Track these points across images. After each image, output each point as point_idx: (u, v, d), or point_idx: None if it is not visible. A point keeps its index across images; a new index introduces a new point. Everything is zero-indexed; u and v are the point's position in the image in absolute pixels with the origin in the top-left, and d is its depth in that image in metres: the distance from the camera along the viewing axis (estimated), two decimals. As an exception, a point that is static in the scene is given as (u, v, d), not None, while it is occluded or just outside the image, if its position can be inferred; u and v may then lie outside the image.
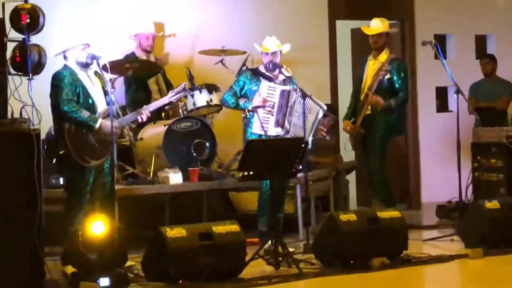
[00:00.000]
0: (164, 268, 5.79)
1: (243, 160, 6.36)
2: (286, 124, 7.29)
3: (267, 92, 7.32)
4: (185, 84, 7.38)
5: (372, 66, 8.27)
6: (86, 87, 6.54)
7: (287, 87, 7.33)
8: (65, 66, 6.49)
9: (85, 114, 6.45)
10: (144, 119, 6.91)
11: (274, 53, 7.35)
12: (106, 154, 6.59)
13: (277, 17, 9.42)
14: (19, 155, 5.74)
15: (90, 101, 6.55)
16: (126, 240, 5.96)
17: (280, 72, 7.35)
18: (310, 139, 7.28)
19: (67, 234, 6.09)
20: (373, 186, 8.30)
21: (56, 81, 6.43)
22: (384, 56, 8.22)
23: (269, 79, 7.38)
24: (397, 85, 8.16)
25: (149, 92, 8.43)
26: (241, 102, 7.38)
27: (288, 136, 7.25)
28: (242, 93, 7.42)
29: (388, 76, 8.13)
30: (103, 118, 6.53)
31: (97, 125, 6.48)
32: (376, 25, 8.26)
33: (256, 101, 7.28)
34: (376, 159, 8.18)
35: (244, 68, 8.36)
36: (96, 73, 6.67)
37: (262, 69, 7.45)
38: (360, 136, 8.23)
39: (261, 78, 7.39)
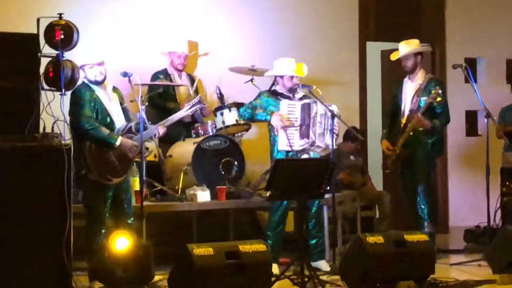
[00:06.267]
0: (189, 286, 5.79)
1: (271, 179, 6.36)
2: (311, 134, 7.27)
3: (288, 110, 7.33)
4: (199, 96, 7.45)
5: (410, 88, 8.11)
6: (104, 104, 6.59)
7: (307, 101, 7.34)
8: (83, 83, 6.56)
9: (105, 131, 6.49)
10: (161, 133, 6.91)
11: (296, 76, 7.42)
12: (127, 171, 6.62)
13: (307, 38, 9.45)
14: (50, 169, 5.79)
15: (108, 119, 6.59)
16: (153, 256, 5.98)
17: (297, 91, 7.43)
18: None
19: (92, 251, 6.12)
20: (421, 209, 7.96)
21: (75, 98, 6.48)
22: (420, 77, 8.08)
23: (288, 98, 7.42)
24: (436, 106, 7.96)
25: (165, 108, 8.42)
26: (258, 112, 7.39)
27: (314, 147, 7.28)
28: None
29: (424, 97, 7.94)
30: (122, 135, 6.58)
31: (118, 143, 6.52)
32: (402, 49, 8.08)
33: (275, 119, 7.28)
34: (423, 182, 7.95)
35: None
36: (114, 89, 6.73)
37: (279, 90, 7.47)
38: (402, 157, 8.02)
39: (279, 97, 7.43)
